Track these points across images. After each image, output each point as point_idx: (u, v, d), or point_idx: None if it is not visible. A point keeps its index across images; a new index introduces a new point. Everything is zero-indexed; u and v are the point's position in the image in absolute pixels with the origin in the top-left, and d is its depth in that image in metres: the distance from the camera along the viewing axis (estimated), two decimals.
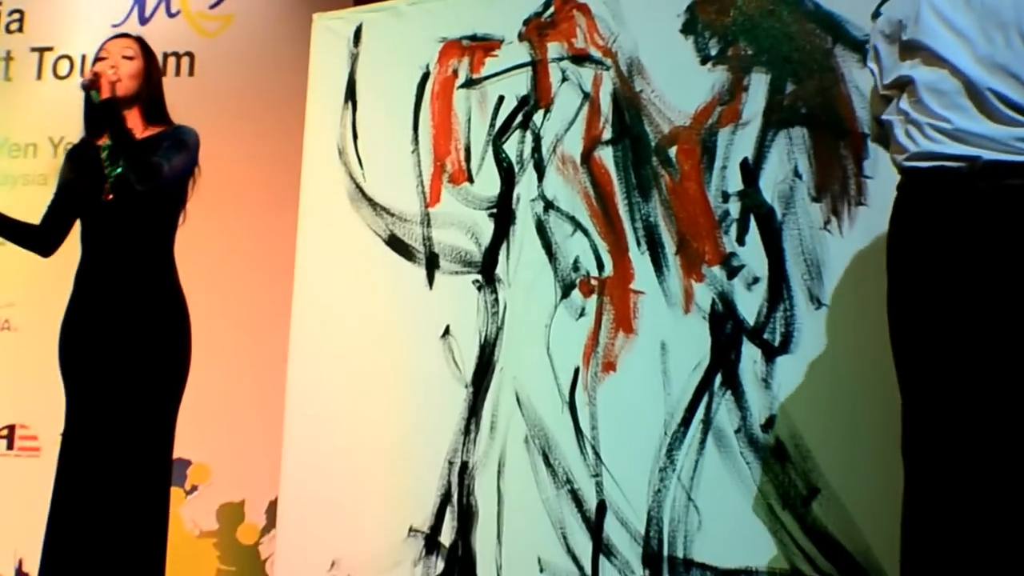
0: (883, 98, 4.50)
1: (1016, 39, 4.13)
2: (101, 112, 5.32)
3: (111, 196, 5.33)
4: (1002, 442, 4.12)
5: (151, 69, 5.54)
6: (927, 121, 4.19)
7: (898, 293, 4.30)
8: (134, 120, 5.46)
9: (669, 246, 5.74)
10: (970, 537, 4.06)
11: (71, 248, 5.48)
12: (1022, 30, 4.13)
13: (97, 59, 5.51)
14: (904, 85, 4.30)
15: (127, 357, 5.25)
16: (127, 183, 5.32)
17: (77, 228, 5.48)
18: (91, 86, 5.31)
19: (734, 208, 5.67)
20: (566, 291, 5.86)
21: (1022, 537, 4.09)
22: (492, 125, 6.08)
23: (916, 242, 4.22)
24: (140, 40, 5.58)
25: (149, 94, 5.52)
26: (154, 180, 5.28)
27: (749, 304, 5.59)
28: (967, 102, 4.14)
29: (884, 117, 4.39)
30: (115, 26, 7.06)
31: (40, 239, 5.53)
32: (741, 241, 5.64)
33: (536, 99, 6.04)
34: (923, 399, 4.21)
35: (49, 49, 7.26)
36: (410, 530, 5.91)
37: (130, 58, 5.47)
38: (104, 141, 5.44)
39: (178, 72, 7.06)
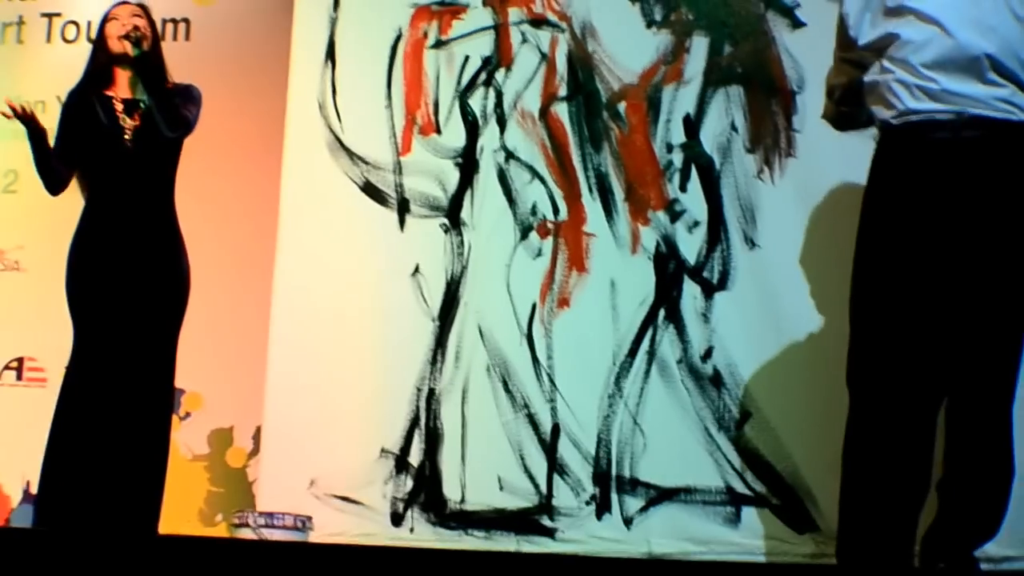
0: (849, 63, 4.46)
1: (1002, 3, 4.14)
2: (140, 64, 5.34)
3: (129, 143, 5.36)
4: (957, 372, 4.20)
5: (154, 30, 5.56)
6: (915, 82, 4.15)
7: (874, 235, 4.28)
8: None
9: (618, 193, 5.83)
10: (904, 456, 4.13)
11: (75, 195, 5.49)
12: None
13: (106, 20, 5.52)
14: (887, 45, 4.24)
15: (131, 292, 5.29)
16: (143, 131, 5.38)
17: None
18: (138, 42, 5.32)
19: (677, 158, 5.77)
20: (525, 233, 5.92)
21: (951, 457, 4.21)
22: (458, 82, 6.10)
23: (904, 187, 4.20)
24: (144, 7, 5.59)
25: (156, 53, 5.54)
26: (183, 128, 5.35)
27: (690, 245, 5.72)
28: (954, 63, 4.12)
29: (868, 78, 4.32)
30: None
31: (55, 178, 5.53)
32: (683, 188, 5.75)
33: (498, 59, 6.07)
34: (883, 326, 4.22)
35: (57, 15, 7.23)
36: (382, 451, 5.93)
37: (139, 17, 5.48)
38: (114, 92, 5.48)
39: (175, 37, 7.05)
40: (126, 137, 5.36)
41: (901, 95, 4.19)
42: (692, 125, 5.74)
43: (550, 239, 5.90)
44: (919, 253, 4.14)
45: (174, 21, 7.10)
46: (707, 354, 5.63)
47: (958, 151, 4.10)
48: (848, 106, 4.56)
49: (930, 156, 4.13)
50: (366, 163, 6.16)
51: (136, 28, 5.35)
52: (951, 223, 4.11)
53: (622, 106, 5.87)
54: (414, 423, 5.95)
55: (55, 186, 5.51)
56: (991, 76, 4.11)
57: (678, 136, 5.78)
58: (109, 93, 5.45)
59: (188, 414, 6.62)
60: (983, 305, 4.12)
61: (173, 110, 5.32)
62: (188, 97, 5.45)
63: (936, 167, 4.12)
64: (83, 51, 6.89)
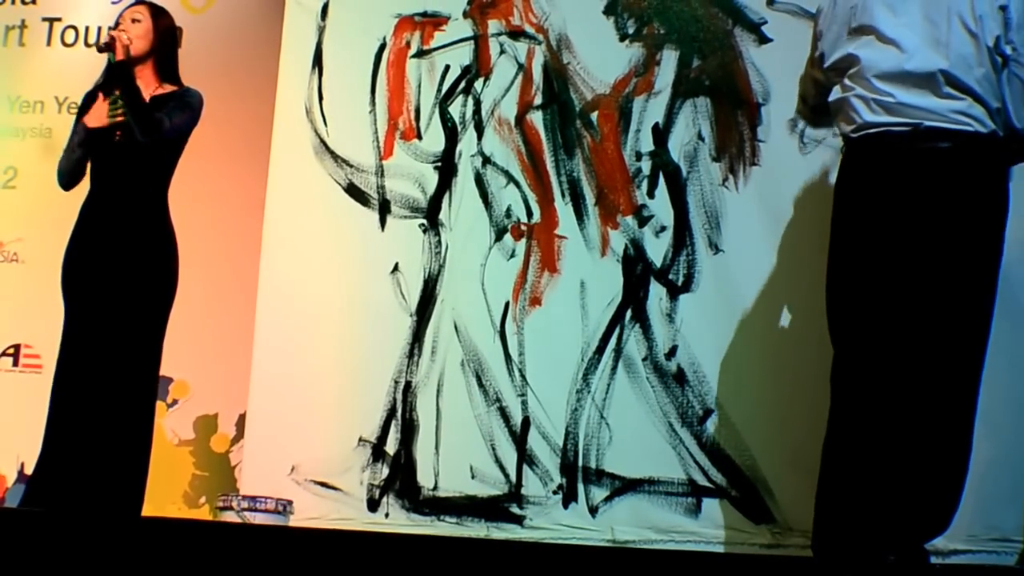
0: (816, 82, 4.47)
1: (956, 21, 4.11)
2: (115, 72, 5.27)
3: (118, 137, 5.27)
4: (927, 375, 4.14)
5: (161, 30, 5.44)
6: (873, 97, 4.15)
7: (839, 244, 4.26)
8: (148, 76, 5.37)
9: (589, 198, 5.78)
10: (883, 450, 4.09)
11: (71, 191, 5.45)
12: (960, 13, 4.12)
13: (116, 25, 5.45)
14: (849, 65, 4.24)
15: (122, 281, 5.20)
16: (131, 131, 5.29)
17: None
18: (107, 48, 5.25)
19: (646, 166, 5.72)
20: (499, 235, 5.88)
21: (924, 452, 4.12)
22: (439, 90, 6.06)
23: (863, 197, 4.18)
24: (150, 5, 5.50)
25: (160, 53, 5.44)
26: (155, 134, 5.21)
27: (657, 249, 5.66)
28: (910, 78, 4.11)
29: (833, 98, 4.32)
30: (114, 3, 7.02)
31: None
32: (651, 195, 5.70)
33: (477, 68, 6.03)
34: (861, 330, 4.18)
35: (58, 19, 7.18)
36: (360, 440, 5.90)
37: (137, 21, 5.39)
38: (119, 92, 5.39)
39: None
40: (117, 134, 5.27)
41: (860, 109, 4.19)
42: (661, 134, 5.70)
43: (523, 241, 5.86)
44: (878, 260, 4.11)
45: None
46: (671, 352, 5.58)
47: (914, 162, 4.08)
48: (819, 112, 4.58)
49: (887, 167, 4.11)
50: (350, 165, 6.12)
51: (112, 38, 5.25)
52: (908, 231, 4.08)
53: (594, 115, 5.82)
54: (391, 414, 5.91)
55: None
56: (946, 90, 4.10)
57: (647, 144, 5.73)
58: (117, 92, 5.35)
59: (175, 401, 6.57)
60: (939, 308, 4.08)
61: (144, 116, 5.21)
62: (179, 102, 5.36)
63: (893, 177, 4.10)
64: (81, 54, 6.88)
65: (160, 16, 5.49)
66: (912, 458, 4.11)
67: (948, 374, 4.10)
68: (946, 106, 4.08)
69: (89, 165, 5.40)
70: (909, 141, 4.09)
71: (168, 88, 5.42)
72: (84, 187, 5.41)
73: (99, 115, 5.34)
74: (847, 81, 4.25)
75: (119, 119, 5.29)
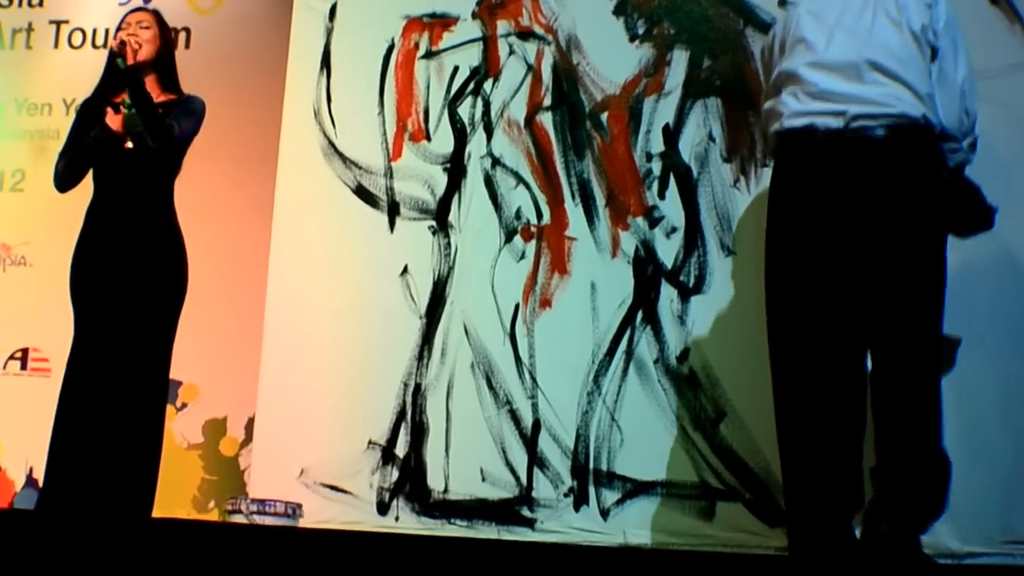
0: (773, 112, 4.45)
1: (879, 12, 4.21)
2: (125, 76, 5.23)
3: (128, 148, 5.25)
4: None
5: (165, 39, 5.43)
6: (800, 89, 4.21)
7: (777, 233, 4.32)
8: (151, 85, 5.34)
9: (599, 199, 5.77)
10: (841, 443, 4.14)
11: (79, 194, 5.40)
12: (884, 4, 4.22)
13: (118, 30, 5.43)
14: (787, 80, 4.30)
15: (131, 286, 5.16)
16: (142, 137, 5.26)
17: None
18: (119, 52, 5.23)
19: (656, 167, 5.71)
20: (509, 236, 5.86)
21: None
22: (448, 91, 6.06)
23: (797, 192, 4.23)
24: (155, 13, 5.48)
25: (163, 62, 5.40)
26: (166, 140, 5.19)
27: (668, 250, 5.65)
28: (835, 69, 4.18)
29: (766, 106, 4.42)
30: (122, 4, 7.01)
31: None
32: (662, 196, 5.69)
33: (486, 69, 6.03)
34: (792, 336, 4.30)
35: (65, 22, 7.16)
36: (369, 443, 5.87)
37: (146, 27, 5.37)
38: (124, 98, 5.35)
39: (176, 45, 6.99)
40: (127, 143, 5.23)
41: (787, 102, 4.26)
42: (671, 135, 5.69)
43: (533, 242, 5.85)
44: (815, 245, 4.16)
45: (175, 30, 6.99)
46: (683, 355, 5.58)
47: (844, 150, 4.13)
48: None
49: (818, 157, 4.17)
50: (358, 167, 6.11)
51: (122, 43, 5.22)
52: (841, 212, 4.13)
53: (604, 116, 5.82)
54: (401, 416, 5.88)
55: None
56: (871, 76, 4.15)
57: (657, 145, 5.72)
58: (119, 101, 5.32)
59: (184, 405, 6.53)
60: (883, 293, 4.13)
61: (155, 122, 5.18)
62: (184, 109, 5.33)
63: (824, 168, 4.16)
64: (88, 57, 6.86)
65: (163, 24, 5.48)
66: (885, 450, 4.12)
67: (907, 356, 4.10)
68: (872, 91, 4.14)
69: (91, 171, 5.36)
70: (837, 130, 4.14)
71: (169, 96, 5.39)
72: (88, 190, 5.37)
73: (115, 124, 5.31)
74: (784, 89, 4.32)
75: (136, 128, 5.26)
